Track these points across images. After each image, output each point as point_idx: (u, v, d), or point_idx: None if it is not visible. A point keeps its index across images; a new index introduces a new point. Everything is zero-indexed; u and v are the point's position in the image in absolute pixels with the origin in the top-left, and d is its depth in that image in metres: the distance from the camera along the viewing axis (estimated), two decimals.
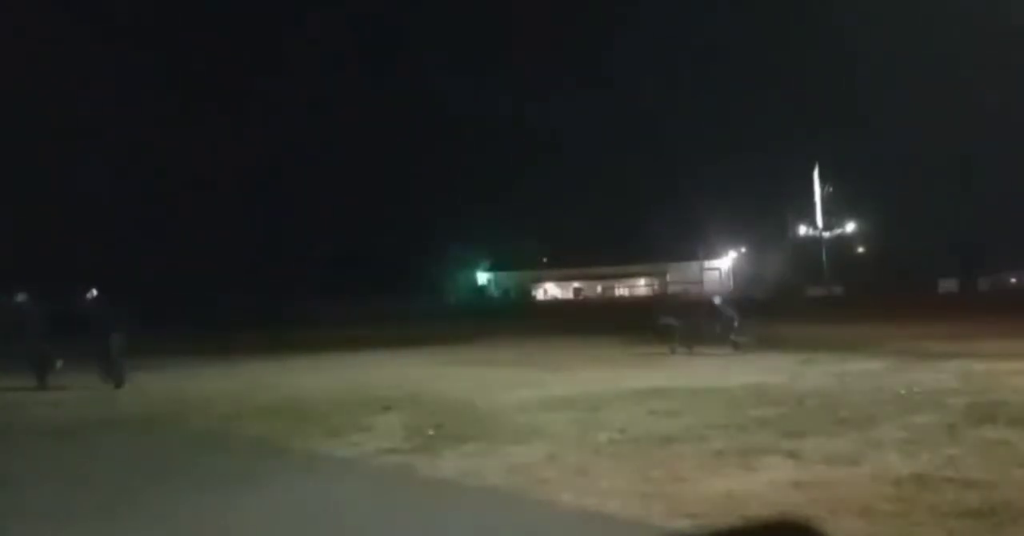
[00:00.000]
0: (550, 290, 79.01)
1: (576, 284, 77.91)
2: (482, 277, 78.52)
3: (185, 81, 70.72)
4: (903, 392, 8.87)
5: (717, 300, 17.64)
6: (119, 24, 75.43)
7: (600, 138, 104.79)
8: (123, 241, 55.15)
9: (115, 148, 62.82)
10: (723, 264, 75.35)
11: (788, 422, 7.28)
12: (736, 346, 15.73)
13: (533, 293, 76.06)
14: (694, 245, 70.69)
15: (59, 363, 13.43)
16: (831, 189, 61.25)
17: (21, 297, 14.10)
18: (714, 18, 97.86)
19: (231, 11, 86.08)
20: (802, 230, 63.02)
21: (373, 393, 10.88)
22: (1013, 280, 62.02)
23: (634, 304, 57.61)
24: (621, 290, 76.08)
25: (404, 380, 12.55)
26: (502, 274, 78.09)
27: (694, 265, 71.67)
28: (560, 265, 76.60)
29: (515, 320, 35.44)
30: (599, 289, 76.27)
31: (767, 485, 5.14)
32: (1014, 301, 34.17)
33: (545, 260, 78.50)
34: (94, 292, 14.27)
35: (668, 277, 74.26)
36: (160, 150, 64.47)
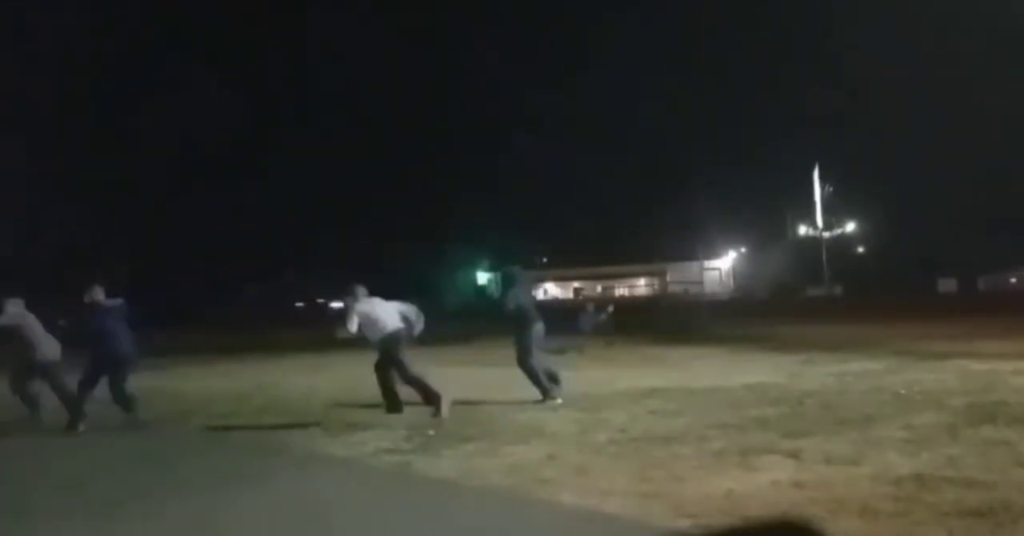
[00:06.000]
0: (550, 290, 79.05)
1: (576, 284, 77.96)
2: (482, 277, 78.52)
3: (188, 79, 70.74)
4: (903, 392, 8.86)
5: None
6: (126, 26, 75.55)
7: (600, 138, 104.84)
8: (125, 241, 55.18)
9: (117, 147, 62.81)
10: (723, 264, 75.37)
11: (788, 422, 7.28)
12: None
13: (533, 293, 75.94)
14: (694, 245, 70.69)
15: None
16: (831, 189, 61.26)
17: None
18: (714, 17, 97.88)
19: (234, 11, 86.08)
20: (802, 230, 63.02)
21: (373, 393, 10.87)
22: (1013, 280, 62.03)
23: (634, 304, 57.62)
24: (621, 290, 76.12)
25: None
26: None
27: (694, 265, 71.67)
28: (560, 265, 76.65)
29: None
30: (599, 289, 76.28)
31: (767, 485, 5.14)
32: (1014, 301, 34.18)
33: (545, 260, 78.54)
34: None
35: (668, 277, 74.30)
36: (161, 149, 64.56)
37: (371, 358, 9.11)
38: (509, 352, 9.83)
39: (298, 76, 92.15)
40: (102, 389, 9.06)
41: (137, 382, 13.45)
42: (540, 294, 77.02)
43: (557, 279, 79.13)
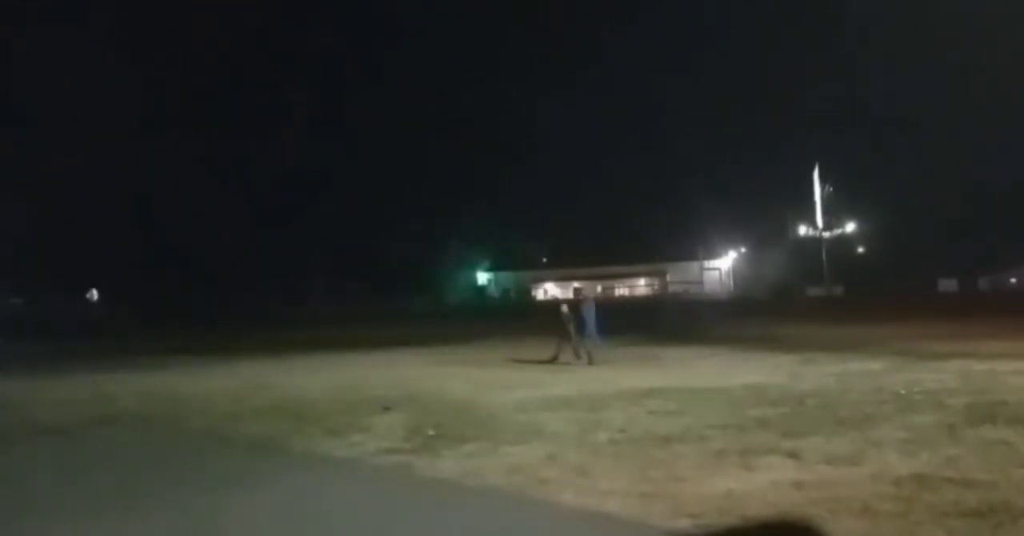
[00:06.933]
0: (550, 290, 79.03)
1: (576, 284, 77.95)
2: (482, 277, 78.56)
3: (188, 81, 70.77)
4: (903, 392, 8.87)
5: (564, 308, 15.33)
6: (127, 27, 75.53)
7: (600, 138, 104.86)
8: (125, 241, 55.17)
9: (118, 147, 62.81)
10: (723, 264, 75.40)
11: (788, 422, 7.28)
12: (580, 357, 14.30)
13: (533, 293, 76.06)
14: (694, 245, 70.79)
15: None
16: (831, 189, 61.22)
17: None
18: (714, 18, 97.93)
19: (233, 12, 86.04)
20: (802, 230, 62.99)
21: (373, 393, 10.88)
22: (1013, 280, 62.08)
23: (634, 304, 57.57)
24: (621, 290, 76.11)
25: (404, 380, 12.55)
26: (502, 274, 78.16)
27: (694, 265, 71.77)
28: (560, 265, 76.68)
29: (515, 320, 35.43)
30: (599, 289, 76.27)
31: (767, 485, 5.13)
32: (1014, 301, 34.17)
33: (545, 260, 78.56)
34: (94, 293, 14.26)
35: (668, 277, 74.33)
36: (164, 150, 64.56)
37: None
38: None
39: (302, 75, 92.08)
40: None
41: (139, 383, 13.51)
42: (540, 294, 77.18)
43: (557, 279, 79.12)
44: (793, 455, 5.91)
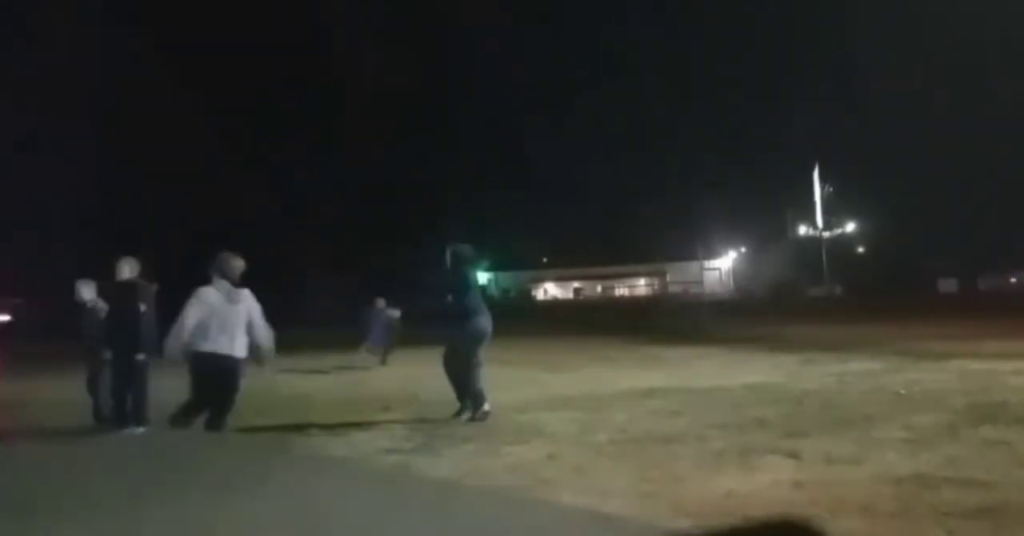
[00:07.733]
0: (550, 290, 79.09)
1: (576, 284, 78.03)
2: (482, 277, 78.55)
3: (187, 81, 70.76)
4: (903, 392, 8.87)
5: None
6: (125, 26, 75.56)
7: (599, 137, 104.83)
8: (125, 241, 55.17)
9: (115, 145, 62.82)
10: (723, 264, 75.46)
11: (788, 422, 7.28)
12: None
13: (533, 293, 76.10)
14: (694, 245, 70.83)
15: None
16: (831, 189, 61.31)
17: None
18: (713, 17, 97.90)
19: (232, 15, 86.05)
20: (802, 230, 63.08)
21: (373, 393, 10.89)
22: (1013, 280, 62.08)
23: (634, 304, 57.62)
24: (621, 290, 76.12)
25: (404, 380, 12.56)
26: (502, 274, 78.20)
27: (694, 265, 71.82)
28: (560, 265, 76.71)
29: (515, 320, 35.45)
30: (599, 289, 76.34)
31: (767, 485, 5.13)
32: (1014, 301, 34.19)
33: (545, 260, 78.59)
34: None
35: (668, 277, 74.37)
36: (159, 148, 64.58)
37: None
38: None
39: (298, 73, 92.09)
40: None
41: None
42: (540, 294, 77.22)
43: (557, 279, 79.14)
44: (793, 455, 5.90)
